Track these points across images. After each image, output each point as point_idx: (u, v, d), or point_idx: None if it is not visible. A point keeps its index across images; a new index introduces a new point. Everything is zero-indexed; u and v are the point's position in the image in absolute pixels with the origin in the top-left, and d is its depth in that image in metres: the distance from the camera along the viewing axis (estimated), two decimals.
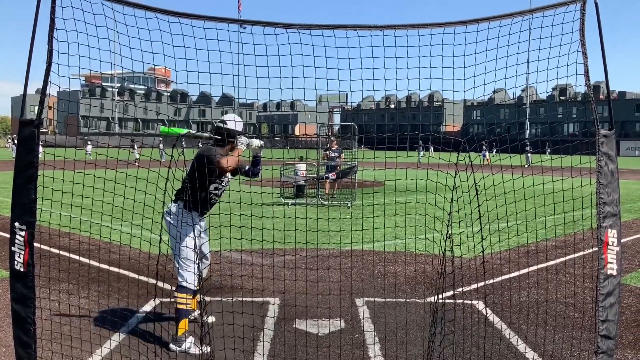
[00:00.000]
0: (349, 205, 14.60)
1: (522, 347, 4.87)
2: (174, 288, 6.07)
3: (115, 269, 7.10)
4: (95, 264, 7.68)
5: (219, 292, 6.32)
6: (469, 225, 4.30)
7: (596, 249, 3.68)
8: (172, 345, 4.69)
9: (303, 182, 16.28)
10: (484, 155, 38.58)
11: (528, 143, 30.88)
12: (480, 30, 3.17)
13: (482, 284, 6.73)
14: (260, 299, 6.09)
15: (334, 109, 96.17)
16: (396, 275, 7.35)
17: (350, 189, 15.95)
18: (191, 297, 4.76)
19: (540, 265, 7.77)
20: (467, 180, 3.86)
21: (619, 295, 3.63)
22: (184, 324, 4.68)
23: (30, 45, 3.31)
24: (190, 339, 4.69)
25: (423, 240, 9.04)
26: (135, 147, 34.74)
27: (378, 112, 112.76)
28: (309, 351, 4.65)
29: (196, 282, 4.73)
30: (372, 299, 6.23)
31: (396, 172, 4.30)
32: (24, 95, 3.35)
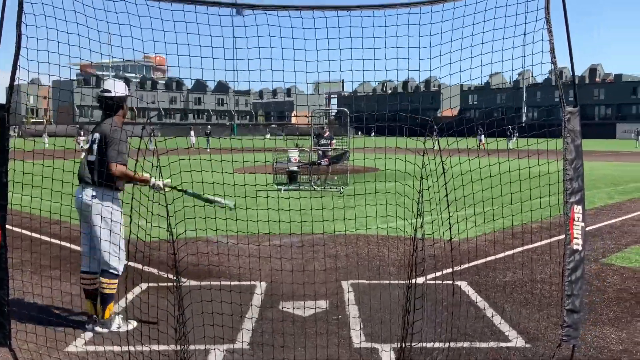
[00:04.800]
0: (341, 191, 14.64)
1: (504, 326, 4.93)
2: (148, 268, 6.11)
3: None
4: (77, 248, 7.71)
5: (207, 276, 6.37)
6: (464, 207, 4.34)
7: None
8: (98, 329, 4.71)
9: (296, 168, 16.36)
10: (480, 140, 38.64)
11: (510, 127, 31.09)
12: (445, 9, 3.18)
13: (463, 266, 6.79)
14: (248, 283, 6.14)
15: (331, 95, 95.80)
16: (384, 258, 7.40)
17: (343, 174, 16.00)
18: (117, 281, 4.76)
19: (526, 247, 7.82)
20: (459, 164, 3.88)
21: (584, 270, 3.68)
22: (111, 307, 4.72)
23: None
24: (118, 318, 4.74)
25: (410, 224, 9.07)
26: (81, 136, 33.92)
27: (374, 96, 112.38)
28: (292, 331, 4.71)
29: (122, 268, 4.75)
30: (358, 281, 6.29)
31: (396, 159, 4.31)
32: None
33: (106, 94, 4.75)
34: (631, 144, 53.76)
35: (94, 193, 4.66)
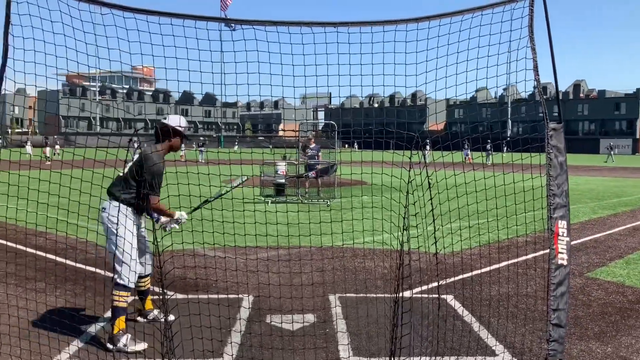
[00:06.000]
0: (329, 203, 14.66)
1: (491, 340, 4.94)
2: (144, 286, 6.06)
3: (92, 268, 7.08)
4: (72, 263, 7.65)
5: (194, 289, 6.33)
6: (450, 221, 4.38)
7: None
8: (107, 345, 4.63)
9: (283, 181, 16.34)
10: (467, 154, 38.90)
11: (489, 142, 31.66)
12: (431, 27, 3.22)
13: (449, 280, 6.81)
14: (235, 296, 6.11)
15: (318, 108, 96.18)
16: (371, 271, 7.41)
17: (331, 187, 16.02)
18: (128, 294, 4.69)
19: (512, 261, 7.88)
20: (448, 178, 3.91)
21: (569, 284, 3.72)
22: (120, 322, 4.62)
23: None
24: (126, 337, 4.61)
25: (396, 238, 9.10)
26: (48, 147, 32.75)
27: (363, 110, 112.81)
28: (280, 345, 4.69)
29: (133, 280, 4.71)
30: (345, 295, 6.28)
31: (392, 171, 4.34)
32: None
33: (161, 124, 4.97)
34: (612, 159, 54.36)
35: (104, 206, 4.79)
